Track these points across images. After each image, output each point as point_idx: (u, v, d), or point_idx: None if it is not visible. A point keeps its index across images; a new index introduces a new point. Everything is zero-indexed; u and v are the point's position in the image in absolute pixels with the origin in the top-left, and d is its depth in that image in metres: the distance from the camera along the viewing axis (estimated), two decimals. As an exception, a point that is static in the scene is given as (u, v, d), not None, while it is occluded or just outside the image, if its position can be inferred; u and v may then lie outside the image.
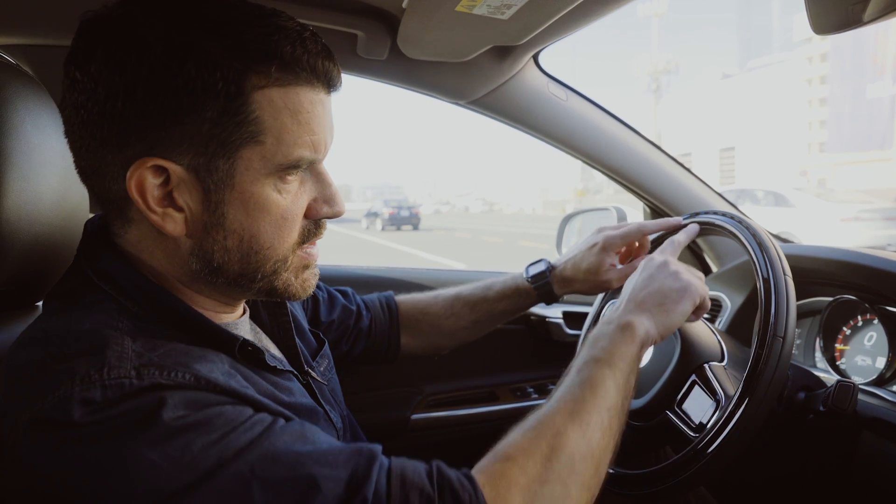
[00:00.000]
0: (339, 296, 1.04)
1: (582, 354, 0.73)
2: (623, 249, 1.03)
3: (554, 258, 1.09)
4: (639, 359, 0.73)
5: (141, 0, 0.56)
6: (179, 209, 0.58)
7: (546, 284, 1.05)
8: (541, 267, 1.07)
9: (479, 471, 0.58)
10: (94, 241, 0.63)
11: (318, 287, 0.97)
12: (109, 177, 0.57)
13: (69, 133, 0.58)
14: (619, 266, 1.01)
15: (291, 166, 0.59)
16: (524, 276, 1.07)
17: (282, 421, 0.56)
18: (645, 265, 0.84)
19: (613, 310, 0.79)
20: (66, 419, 0.47)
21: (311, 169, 0.63)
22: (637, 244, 1.04)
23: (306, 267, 0.67)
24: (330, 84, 0.62)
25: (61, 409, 0.48)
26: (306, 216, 0.64)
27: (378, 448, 0.57)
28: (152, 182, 0.56)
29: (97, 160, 0.57)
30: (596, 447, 0.63)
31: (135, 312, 0.58)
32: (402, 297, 1.10)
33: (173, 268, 0.62)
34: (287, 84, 0.57)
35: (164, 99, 0.54)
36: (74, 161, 0.60)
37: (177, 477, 0.47)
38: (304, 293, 0.67)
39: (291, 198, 0.61)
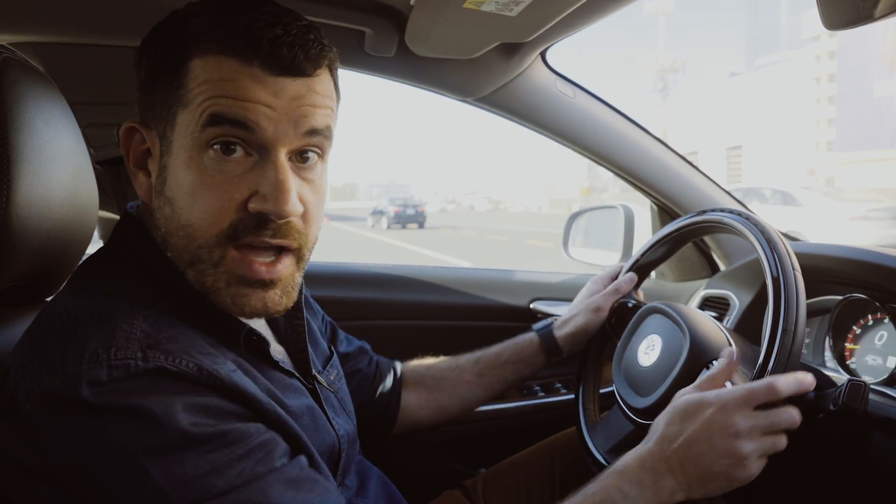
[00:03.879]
0: (358, 341, 1.04)
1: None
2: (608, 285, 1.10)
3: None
4: None
5: None
6: (148, 175, 0.64)
7: (548, 326, 1.09)
8: (548, 320, 1.12)
9: None
10: (127, 221, 0.68)
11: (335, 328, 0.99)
12: None
13: None
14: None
15: (208, 125, 0.57)
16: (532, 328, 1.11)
17: (282, 458, 0.57)
18: (716, 401, 0.69)
19: (654, 446, 0.70)
20: (76, 397, 0.50)
21: (264, 159, 0.59)
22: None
23: (243, 280, 0.60)
24: (276, 65, 0.57)
25: (70, 386, 0.50)
26: (247, 209, 0.59)
27: None
28: (136, 144, 0.64)
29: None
30: None
31: (153, 289, 0.61)
32: (409, 361, 1.11)
33: (164, 243, 0.64)
34: (219, 53, 0.58)
35: (147, 63, 0.61)
36: None
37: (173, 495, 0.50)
38: (234, 308, 0.61)
39: (222, 177, 0.58)
